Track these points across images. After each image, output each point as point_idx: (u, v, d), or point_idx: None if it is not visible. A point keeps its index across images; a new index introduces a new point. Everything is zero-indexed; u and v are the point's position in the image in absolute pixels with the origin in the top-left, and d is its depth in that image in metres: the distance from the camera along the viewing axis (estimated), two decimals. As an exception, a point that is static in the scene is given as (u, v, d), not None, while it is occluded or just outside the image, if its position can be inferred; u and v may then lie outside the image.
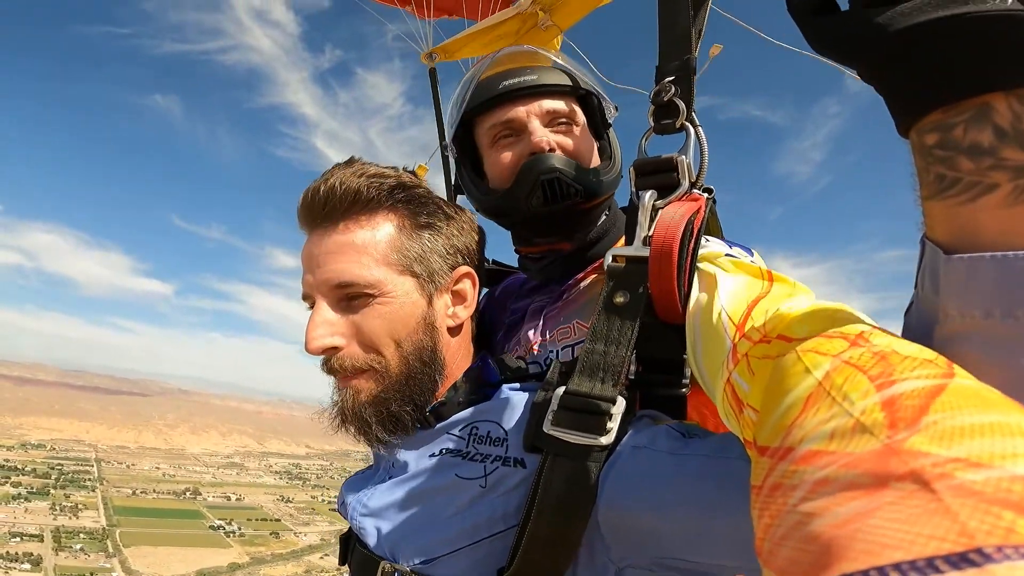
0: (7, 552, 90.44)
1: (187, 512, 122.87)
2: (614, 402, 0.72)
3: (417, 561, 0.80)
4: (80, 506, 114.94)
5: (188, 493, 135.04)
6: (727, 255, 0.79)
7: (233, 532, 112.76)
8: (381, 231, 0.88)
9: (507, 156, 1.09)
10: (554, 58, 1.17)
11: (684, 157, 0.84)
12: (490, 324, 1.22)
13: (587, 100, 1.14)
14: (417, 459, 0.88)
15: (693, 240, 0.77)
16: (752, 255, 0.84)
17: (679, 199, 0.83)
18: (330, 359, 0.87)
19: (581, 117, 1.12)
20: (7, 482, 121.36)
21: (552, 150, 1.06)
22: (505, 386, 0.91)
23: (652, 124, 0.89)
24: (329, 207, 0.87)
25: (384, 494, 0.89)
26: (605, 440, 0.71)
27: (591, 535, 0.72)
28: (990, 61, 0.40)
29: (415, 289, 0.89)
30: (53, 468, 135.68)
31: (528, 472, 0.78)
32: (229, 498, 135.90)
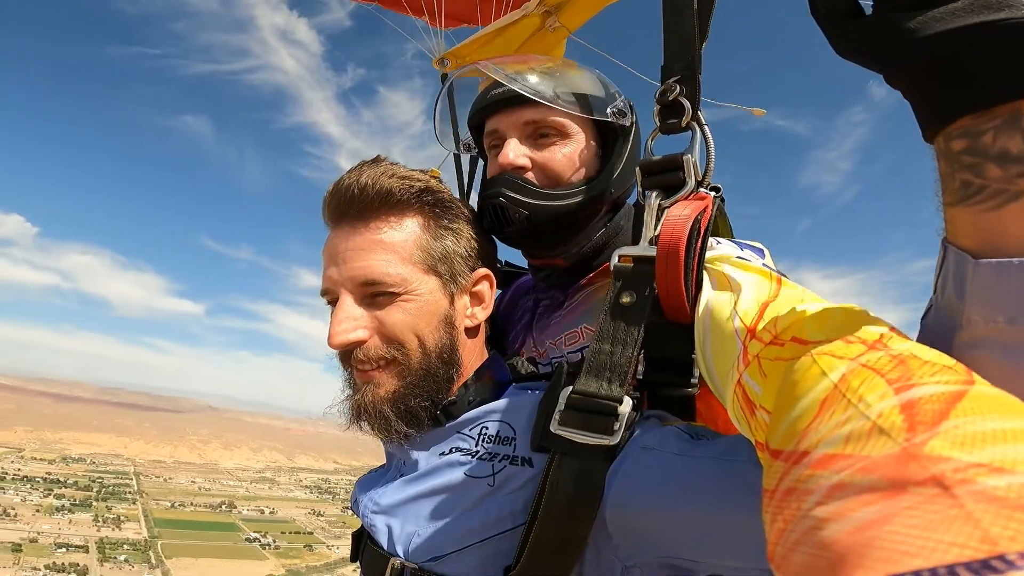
0: (54, 563, 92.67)
1: (224, 525, 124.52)
2: (621, 402, 0.73)
3: (426, 558, 0.80)
4: (122, 518, 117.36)
5: (224, 506, 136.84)
6: (738, 257, 0.78)
7: (268, 545, 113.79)
8: (408, 231, 0.90)
9: (490, 168, 1.10)
10: (555, 66, 1.12)
11: (690, 156, 0.84)
12: (501, 325, 1.22)
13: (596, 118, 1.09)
14: (428, 458, 0.89)
15: (700, 239, 0.76)
16: (763, 256, 0.82)
17: (685, 198, 0.82)
18: (351, 353, 0.88)
19: (573, 126, 1.07)
20: (50, 494, 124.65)
21: (521, 168, 1.04)
22: (514, 386, 0.93)
23: (658, 124, 0.88)
24: (360, 204, 0.88)
25: (395, 492, 0.90)
26: (611, 440, 0.72)
27: (598, 534, 0.72)
28: None
29: (438, 288, 0.91)
30: (94, 481, 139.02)
31: (535, 471, 0.79)
32: (263, 511, 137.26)
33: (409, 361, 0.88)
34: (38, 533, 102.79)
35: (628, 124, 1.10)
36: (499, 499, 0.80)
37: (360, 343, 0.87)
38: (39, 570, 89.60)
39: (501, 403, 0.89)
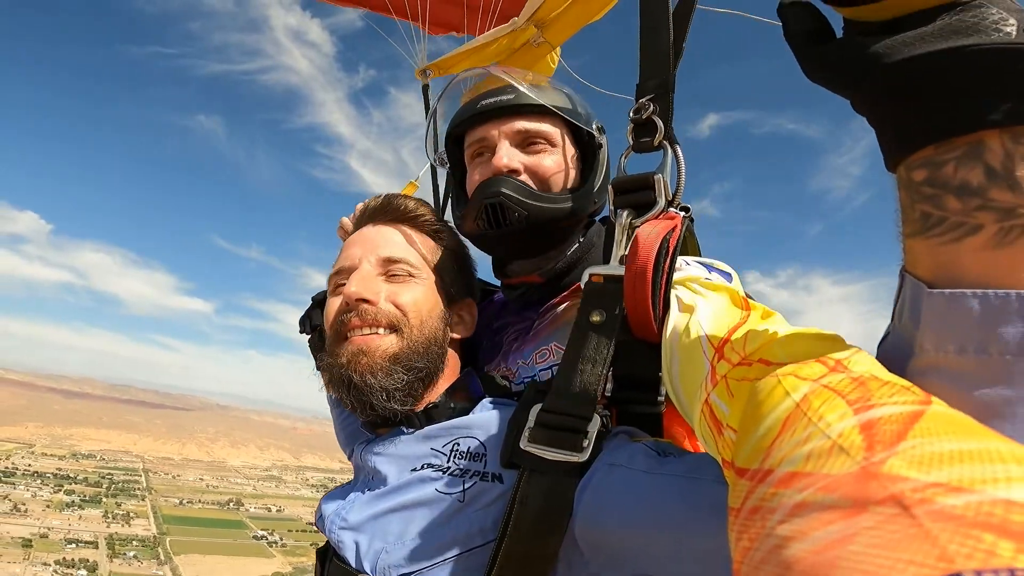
0: (64, 558, 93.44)
1: (231, 522, 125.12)
2: (589, 419, 0.74)
3: (394, 575, 0.80)
4: (132, 514, 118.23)
5: (231, 504, 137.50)
6: (706, 279, 0.78)
7: (275, 542, 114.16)
8: (425, 241, 1.05)
9: (477, 174, 1.11)
10: (538, 79, 1.17)
11: (661, 176, 0.84)
12: (475, 342, 1.24)
13: (571, 123, 1.11)
14: (398, 473, 0.90)
15: (668, 259, 0.75)
16: (731, 280, 0.83)
17: (656, 217, 0.82)
18: (355, 313, 0.93)
19: (559, 138, 1.11)
20: (60, 490, 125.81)
21: (515, 171, 1.06)
22: (486, 400, 0.95)
23: (631, 142, 0.89)
24: (397, 212, 1.04)
25: (363, 507, 0.90)
26: (580, 457, 0.72)
27: (568, 550, 0.73)
28: (990, 96, 0.39)
29: (441, 289, 1.02)
30: (104, 477, 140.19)
31: (505, 487, 0.79)
32: (270, 509, 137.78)
33: (411, 332, 0.94)
34: (48, 528, 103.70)
35: (602, 142, 1.16)
36: (469, 515, 0.80)
37: (372, 302, 0.93)
38: (49, 565, 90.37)
39: (474, 418, 0.91)
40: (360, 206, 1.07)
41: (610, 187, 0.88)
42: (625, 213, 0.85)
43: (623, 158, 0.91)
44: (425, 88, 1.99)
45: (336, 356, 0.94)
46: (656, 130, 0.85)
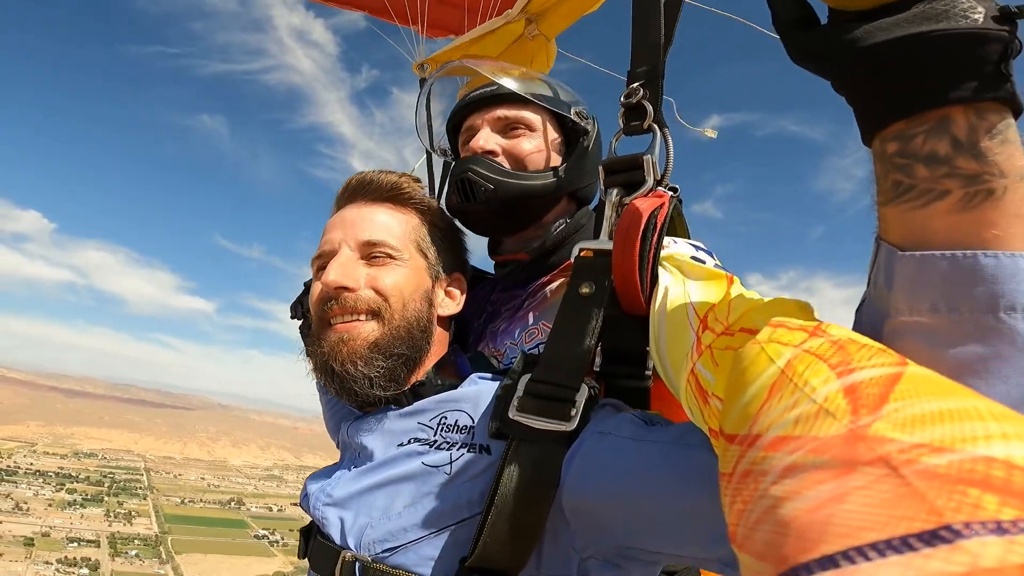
0: (66, 557, 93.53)
1: (233, 521, 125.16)
2: (577, 389, 0.75)
3: (379, 550, 0.80)
4: (133, 513, 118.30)
5: (233, 503, 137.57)
6: (692, 257, 0.81)
7: (277, 542, 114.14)
8: (408, 219, 1.02)
9: (463, 156, 1.20)
10: (527, 73, 1.24)
11: (650, 156, 0.87)
12: (464, 323, 1.27)
13: (553, 111, 1.18)
14: (385, 448, 0.90)
15: (656, 234, 0.78)
16: (712, 257, 0.87)
17: (644, 195, 0.85)
18: (335, 300, 0.92)
19: (539, 123, 1.17)
20: (62, 488, 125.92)
21: (491, 153, 1.13)
22: (475, 375, 0.95)
23: (621, 125, 0.91)
24: (374, 188, 1.01)
25: (349, 483, 0.89)
26: (568, 426, 0.73)
27: (555, 521, 0.73)
28: (955, 76, 0.43)
29: (424, 268, 1.00)
30: (105, 476, 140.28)
31: (493, 458, 0.79)
32: (271, 509, 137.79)
33: (392, 316, 0.92)
34: (50, 527, 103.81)
35: (588, 128, 1.20)
36: (456, 487, 0.80)
37: (352, 289, 0.92)
38: (51, 564, 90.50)
39: (460, 392, 0.91)
40: (345, 182, 1.05)
41: (600, 167, 0.91)
42: (615, 191, 0.88)
43: (614, 140, 0.94)
44: (423, 82, 2.00)
45: (319, 344, 0.94)
46: (646, 114, 0.87)
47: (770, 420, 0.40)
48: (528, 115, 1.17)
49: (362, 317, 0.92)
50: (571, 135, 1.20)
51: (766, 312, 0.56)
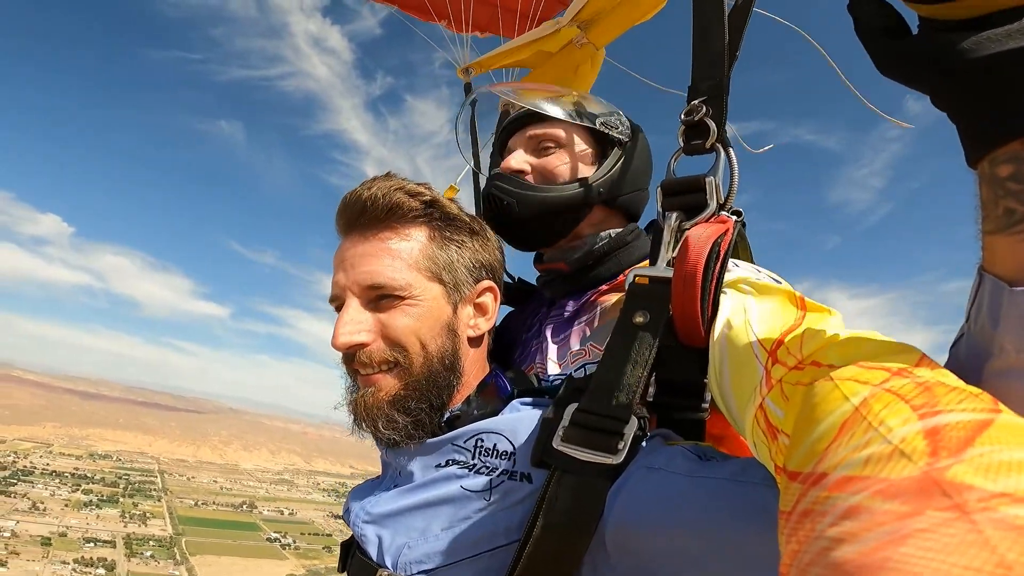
0: (83, 557, 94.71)
1: (245, 524, 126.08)
2: (627, 421, 0.71)
3: (415, 571, 0.79)
4: (148, 515, 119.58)
5: (245, 506, 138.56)
6: (756, 279, 0.78)
7: (288, 545, 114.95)
8: (414, 240, 0.92)
9: None
10: (547, 93, 1.24)
11: (713, 178, 0.83)
12: (511, 340, 1.24)
13: (588, 127, 1.18)
14: (423, 469, 0.88)
15: (719, 263, 0.74)
16: (781, 284, 0.81)
17: (706, 220, 0.81)
18: (354, 356, 0.89)
19: (570, 139, 1.17)
20: (78, 489, 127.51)
21: (519, 171, 1.16)
22: (516, 400, 0.91)
23: (682, 144, 0.88)
24: (370, 214, 0.91)
25: (388, 502, 0.89)
26: (615, 460, 0.70)
27: (595, 554, 0.70)
28: None
29: (441, 295, 0.92)
30: (120, 478, 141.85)
31: (534, 487, 0.77)
32: (282, 512, 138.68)
33: (411, 365, 0.88)
34: (67, 527, 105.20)
35: (620, 137, 1.18)
36: (495, 514, 0.78)
37: (363, 345, 0.88)
38: (68, 564, 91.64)
39: (503, 418, 0.87)
40: (339, 205, 0.96)
41: (659, 189, 0.87)
42: (674, 216, 0.84)
43: (673, 160, 0.90)
44: (468, 86, 2.04)
45: (351, 392, 0.93)
46: (708, 132, 0.84)
47: (838, 459, 0.38)
48: (556, 131, 1.18)
49: (383, 368, 0.89)
50: (607, 147, 1.20)
51: (846, 348, 0.52)
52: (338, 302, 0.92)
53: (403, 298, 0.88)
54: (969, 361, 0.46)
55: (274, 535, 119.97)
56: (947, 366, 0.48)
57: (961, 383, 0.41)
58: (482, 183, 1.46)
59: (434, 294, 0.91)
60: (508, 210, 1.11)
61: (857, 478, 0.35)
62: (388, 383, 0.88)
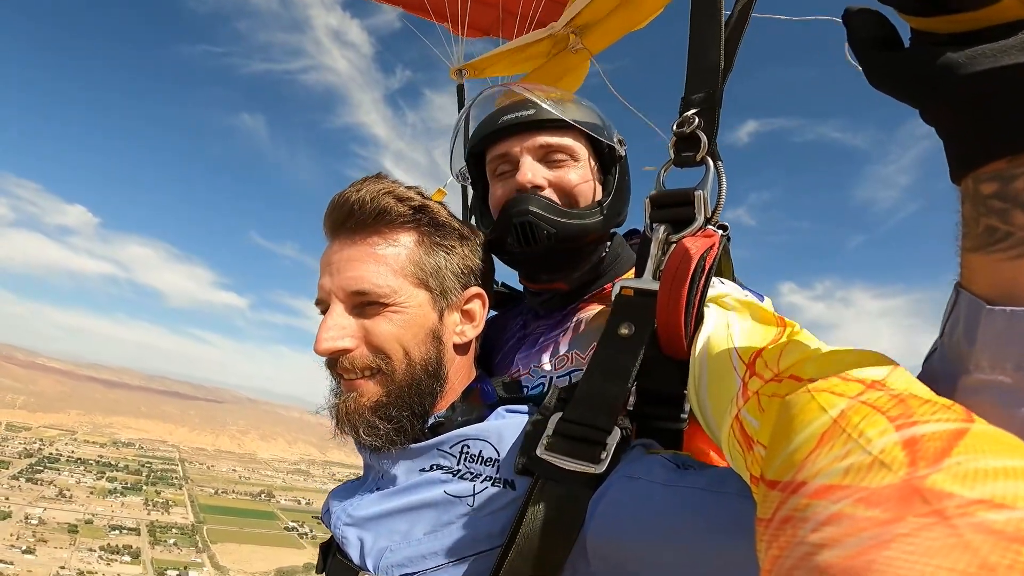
0: (108, 544, 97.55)
1: (264, 513, 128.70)
2: (609, 432, 0.73)
3: (397, 574, 0.79)
4: (170, 502, 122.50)
5: (263, 495, 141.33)
6: (738, 297, 0.79)
7: (306, 534, 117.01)
8: (401, 245, 0.91)
9: (500, 190, 1.10)
10: (560, 95, 1.15)
11: (702, 192, 0.82)
12: (491, 346, 1.22)
13: (591, 136, 1.11)
14: (407, 473, 0.88)
15: (704, 276, 0.75)
16: (763, 301, 0.84)
17: (693, 234, 0.81)
18: (338, 361, 0.88)
19: (582, 152, 1.10)
20: (103, 477, 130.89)
21: (539, 187, 1.05)
22: (502, 408, 0.92)
23: (672, 156, 0.87)
24: (357, 218, 0.90)
25: (370, 505, 0.89)
26: (597, 469, 0.71)
27: (576, 561, 0.71)
28: None
29: (427, 302, 0.91)
30: (143, 466, 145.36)
31: (517, 494, 0.78)
32: (299, 502, 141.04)
33: (394, 372, 0.88)
34: (92, 515, 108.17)
35: (624, 154, 1.15)
36: (477, 519, 0.79)
37: (346, 351, 0.87)
38: (94, 551, 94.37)
39: (489, 424, 0.88)
40: (327, 207, 0.94)
41: (647, 201, 0.87)
42: (662, 228, 0.83)
43: (663, 171, 0.88)
44: (460, 88, 2.00)
45: (335, 395, 0.92)
46: (699, 145, 0.83)
47: (817, 468, 0.39)
48: (571, 142, 1.09)
49: (365, 374, 0.88)
50: (607, 161, 1.14)
51: (822, 362, 0.53)
52: (323, 306, 0.91)
53: (387, 305, 0.87)
54: (943, 375, 0.46)
55: (292, 524, 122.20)
56: (920, 378, 0.48)
57: (933, 395, 0.42)
58: (467, 186, 1.36)
59: (419, 301, 0.90)
60: (546, 239, 1.03)
61: (838, 487, 0.36)
62: (370, 389, 0.88)
